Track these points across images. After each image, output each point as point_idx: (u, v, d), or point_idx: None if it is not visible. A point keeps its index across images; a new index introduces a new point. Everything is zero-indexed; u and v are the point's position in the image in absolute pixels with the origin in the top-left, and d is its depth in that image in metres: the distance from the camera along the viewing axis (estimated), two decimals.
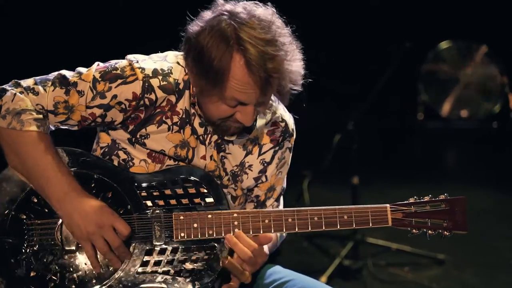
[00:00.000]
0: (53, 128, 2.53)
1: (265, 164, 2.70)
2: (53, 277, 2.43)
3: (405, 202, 2.61)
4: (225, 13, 2.37)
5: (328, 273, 4.71)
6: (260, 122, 2.65)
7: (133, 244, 2.47)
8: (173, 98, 2.52)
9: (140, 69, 2.47)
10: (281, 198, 2.83)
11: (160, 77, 2.49)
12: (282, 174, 2.76)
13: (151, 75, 2.48)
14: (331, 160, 5.26)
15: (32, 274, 2.43)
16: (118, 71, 2.47)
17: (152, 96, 2.49)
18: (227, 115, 2.46)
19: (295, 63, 2.44)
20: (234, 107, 2.44)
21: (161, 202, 2.50)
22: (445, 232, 2.60)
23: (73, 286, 2.43)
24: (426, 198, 2.62)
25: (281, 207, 2.81)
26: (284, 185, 2.80)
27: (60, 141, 2.56)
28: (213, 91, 2.39)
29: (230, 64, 2.34)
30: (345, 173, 5.07)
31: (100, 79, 2.46)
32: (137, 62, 2.50)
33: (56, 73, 2.50)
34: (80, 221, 2.39)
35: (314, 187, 5.75)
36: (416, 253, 5.03)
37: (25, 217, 2.47)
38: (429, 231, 2.60)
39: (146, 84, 2.47)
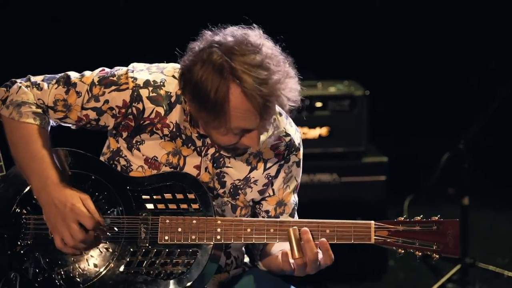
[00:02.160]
0: (54, 124, 2.69)
1: (270, 178, 2.74)
2: (42, 272, 2.57)
3: (393, 220, 2.56)
4: (215, 44, 2.44)
5: None
6: (262, 137, 2.69)
7: (120, 245, 2.58)
8: (161, 110, 2.61)
9: (132, 79, 2.60)
10: (295, 214, 2.84)
11: (151, 88, 2.61)
12: (290, 188, 2.78)
13: (141, 85, 2.60)
14: (437, 179, 5.16)
15: (23, 266, 2.59)
16: (115, 78, 2.61)
17: (140, 106, 2.60)
18: (233, 142, 2.55)
19: (289, 82, 2.48)
20: (238, 134, 2.51)
21: (150, 206, 2.59)
22: (434, 255, 2.52)
23: (61, 281, 2.56)
24: (417, 218, 2.56)
25: None
26: (296, 200, 2.82)
27: (74, 142, 2.75)
28: (215, 123, 2.48)
29: (228, 95, 2.41)
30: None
31: (97, 83, 2.62)
32: (132, 71, 2.63)
33: (64, 73, 2.68)
34: (51, 214, 2.53)
35: (417, 207, 5.61)
36: None
37: (24, 211, 2.64)
38: (417, 252, 2.53)
39: (135, 93, 2.60)
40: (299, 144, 2.77)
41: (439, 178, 5.16)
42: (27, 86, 2.65)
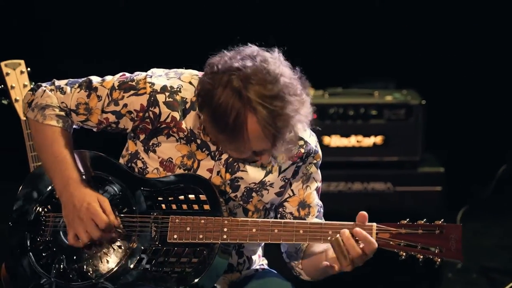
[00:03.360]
0: (76, 127, 2.82)
1: (287, 180, 2.79)
2: (58, 267, 2.70)
3: (396, 223, 2.57)
4: (234, 71, 2.52)
5: None
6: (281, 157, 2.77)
7: (131, 243, 2.69)
8: (176, 115, 2.70)
9: (150, 84, 2.70)
10: (322, 216, 2.88)
11: (167, 94, 2.70)
12: (311, 189, 2.82)
13: (159, 90, 2.70)
14: (492, 191, 5.08)
15: (41, 262, 2.72)
16: (134, 83, 2.72)
17: (156, 110, 2.70)
18: (245, 157, 2.66)
19: (303, 109, 2.56)
20: (253, 152, 2.62)
21: (163, 206, 2.69)
22: (436, 259, 2.51)
23: (75, 276, 2.68)
24: (420, 222, 2.56)
25: None
26: (320, 202, 2.86)
27: (96, 145, 2.88)
28: (232, 145, 2.59)
29: (246, 122, 2.51)
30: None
31: (117, 88, 2.73)
32: (151, 77, 2.73)
33: (86, 77, 2.80)
34: (69, 211, 2.65)
35: (471, 218, 5.52)
36: None
37: (45, 210, 2.77)
38: (419, 255, 2.53)
39: (152, 98, 2.69)
40: (316, 147, 2.81)
41: (495, 189, 5.06)
42: (51, 90, 2.78)
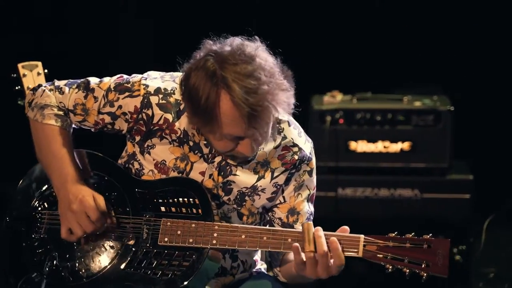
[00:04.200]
0: (75, 126, 2.85)
1: (278, 186, 2.79)
2: (51, 264, 2.74)
3: (384, 236, 2.54)
4: (211, 53, 2.54)
5: None
6: (268, 146, 2.76)
7: (123, 244, 2.71)
8: (169, 117, 2.72)
9: (144, 86, 2.73)
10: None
11: (161, 96, 2.72)
12: (302, 197, 2.81)
13: (152, 92, 2.72)
14: None
15: (35, 259, 2.76)
16: (129, 85, 2.75)
17: (149, 112, 2.72)
18: (230, 148, 2.63)
19: (281, 93, 2.54)
20: (232, 140, 2.60)
21: (155, 208, 2.71)
22: (423, 273, 2.48)
23: (67, 274, 2.71)
24: (409, 236, 2.53)
25: None
26: (310, 209, 2.85)
27: (97, 145, 2.92)
28: (207, 128, 2.58)
29: (218, 101, 2.51)
30: None
31: (113, 89, 2.76)
32: (146, 79, 2.75)
33: (85, 78, 2.84)
34: (64, 206, 2.69)
35: (498, 227, 5.41)
36: None
37: (41, 207, 2.81)
38: (405, 269, 2.50)
39: (146, 100, 2.72)
40: (310, 153, 2.80)
41: None
42: (50, 90, 2.83)
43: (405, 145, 4.97)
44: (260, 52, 2.56)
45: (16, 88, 3.57)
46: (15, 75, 3.66)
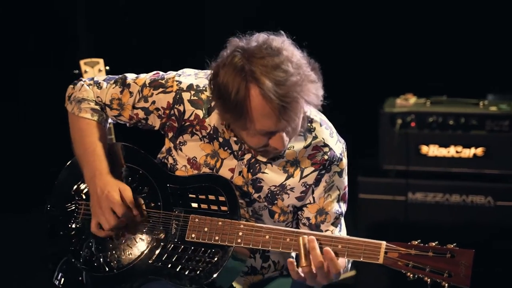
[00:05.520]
0: (111, 121, 2.93)
1: (308, 186, 2.77)
2: (85, 254, 2.82)
3: (406, 243, 2.49)
4: (238, 49, 2.55)
5: None
6: (298, 145, 2.75)
7: (153, 237, 2.75)
8: (200, 113, 2.75)
9: (177, 82, 2.77)
10: (342, 224, 2.85)
11: (193, 92, 2.75)
12: (331, 197, 2.80)
13: (184, 89, 2.76)
14: None
15: (71, 247, 2.85)
16: (163, 81, 2.79)
17: (181, 108, 2.76)
18: (262, 144, 2.63)
19: (310, 85, 2.53)
20: (265, 135, 2.60)
21: (185, 204, 2.74)
22: (444, 283, 2.42)
23: (100, 265, 2.78)
24: (432, 244, 2.46)
25: (342, 233, 2.84)
26: (340, 209, 2.82)
27: (137, 139, 2.99)
28: (239, 123, 2.58)
29: (248, 96, 2.51)
30: None
31: (148, 85, 2.81)
32: (179, 76, 2.79)
33: (122, 74, 2.90)
34: (94, 201, 2.75)
35: None
36: None
37: (78, 198, 2.89)
38: (426, 278, 2.44)
39: (178, 96, 2.76)
40: (340, 154, 2.78)
41: None
42: (89, 85, 2.90)
43: (479, 151, 4.82)
44: (286, 45, 2.55)
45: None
46: (77, 71, 3.78)
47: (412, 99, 4.98)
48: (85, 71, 3.74)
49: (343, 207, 2.83)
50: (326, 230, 2.79)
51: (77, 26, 6.01)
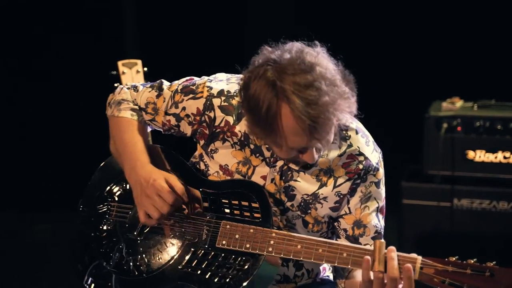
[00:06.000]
0: (148, 126, 2.88)
1: (341, 196, 2.69)
2: (115, 257, 2.77)
3: (443, 259, 2.38)
4: (270, 62, 2.45)
5: None
6: (332, 153, 2.67)
7: (183, 243, 2.69)
8: (230, 119, 2.68)
9: (208, 88, 2.71)
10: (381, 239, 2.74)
11: (223, 98, 2.68)
12: (369, 209, 2.70)
13: (215, 94, 2.69)
14: None
15: (101, 249, 2.80)
16: (194, 87, 2.74)
17: (211, 114, 2.69)
18: (292, 157, 2.56)
19: (343, 103, 2.44)
20: (295, 150, 2.52)
21: (217, 209, 2.68)
22: None
23: (131, 268, 2.73)
24: (471, 261, 2.36)
25: None
26: (380, 223, 2.72)
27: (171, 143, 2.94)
28: (269, 139, 2.51)
29: (279, 114, 2.42)
30: None
31: (179, 91, 2.76)
32: (210, 81, 2.73)
33: (160, 79, 2.86)
34: (138, 191, 2.67)
35: None
36: None
37: (111, 199, 2.85)
38: None
39: (208, 102, 2.69)
40: (377, 164, 2.68)
41: None
42: (127, 88, 2.88)
43: None
44: (320, 60, 2.44)
45: (115, 85, 3.65)
46: (115, 72, 3.75)
47: (459, 103, 4.86)
48: (123, 72, 3.71)
49: (382, 222, 2.73)
50: (365, 244, 2.69)
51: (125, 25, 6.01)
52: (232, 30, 5.98)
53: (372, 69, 5.49)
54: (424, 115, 4.78)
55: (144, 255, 2.74)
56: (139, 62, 3.72)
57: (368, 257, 2.44)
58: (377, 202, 2.71)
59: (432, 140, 4.76)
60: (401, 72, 5.85)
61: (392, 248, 2.43)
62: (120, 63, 3.71)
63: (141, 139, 2.80)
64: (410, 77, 5.85)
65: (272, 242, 2.57)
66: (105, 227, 2.84)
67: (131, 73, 3.68)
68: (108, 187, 2.88)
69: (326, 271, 2.91)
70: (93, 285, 2.81)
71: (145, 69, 3.72)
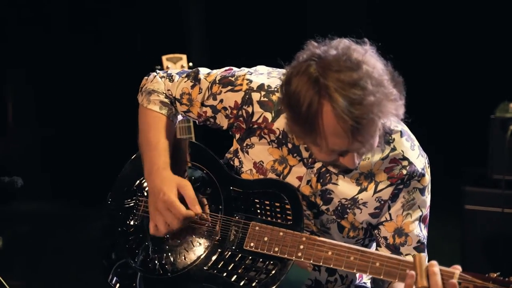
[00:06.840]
0: (180, 117, 2.75)
1: (382, 202, 2.51)
2: (143, 253, 2.65)
3: (483, 275, 2.19)
4: (315, 57, 2.27)
5: None
6: (375, 157, 2.49)
7: (210, 243, 2.56)
8: (269, 116, 2.53)
9: (248, 81, 2.56)
10: (425, 250, 2.56)
11: (263, 93, 2.53)
12: (411, 217, 2.52)
13: (255, 89, 2.54)
14: None
15: (127, 245, 2.69)
16: (233, 79, 2.59)
17: (249, 109, 2.55)
18: (331, 160, 2.38)
19: (389, 104, 2.24)
20: (335, 152, 2.34)
21: (247, 209, 2.54)
22: None
23: (156, 266, 2.61)
24: None
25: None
26: (422, 233, 2.53)
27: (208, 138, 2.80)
28: (309, 139, 2.32)
29: (321, 112, 2.23)
30: None
31: (217, 82, 2.62)
32: (251, 74, 2.58)
33: (196, 68, 2.72)
34: (151, 200, 2.57)
35: None
36: None
37: (139, 194, 2.73)
38: None
39: (247, 96, 2.55)
40: (422, 169, 2.49)
41: None
42: (161, 77, 2.74)
43: None
44: (368, 58, 2.25)
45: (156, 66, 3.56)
46: (159, 67, 3.65)
47: (509, 105, 4.60)
48: (167, 67, 3.60)
49: (425, 231, 2.54)
50: (407, 254, 2.52)
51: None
52: (293, 28, 5.85)
53: (438, 68, 5.31)
54: (490, 116, 4.54)
55: (170, 254, 2.62)
56: (184, 57, 3.61)
57: (413, 272, 2.24)
58: (421, 211, 2.52)
59: (498, 143, 4.52)
60: (467, 72, 5.63)
61: (434, 262, 2.25)
62: (164, 57, 3.61)
63: (164, 139, 2.66)
64: (477, 77, 5.63)
65: (301, 246, 2.41)
66: (132, 222, 2.73)
67: (176, 68, 3.57)
68: (138, 181, 2.76)
69: (363, 278, 2.74)
70: (118, 285, 2.69)
71: (190, 64, 3.60)
